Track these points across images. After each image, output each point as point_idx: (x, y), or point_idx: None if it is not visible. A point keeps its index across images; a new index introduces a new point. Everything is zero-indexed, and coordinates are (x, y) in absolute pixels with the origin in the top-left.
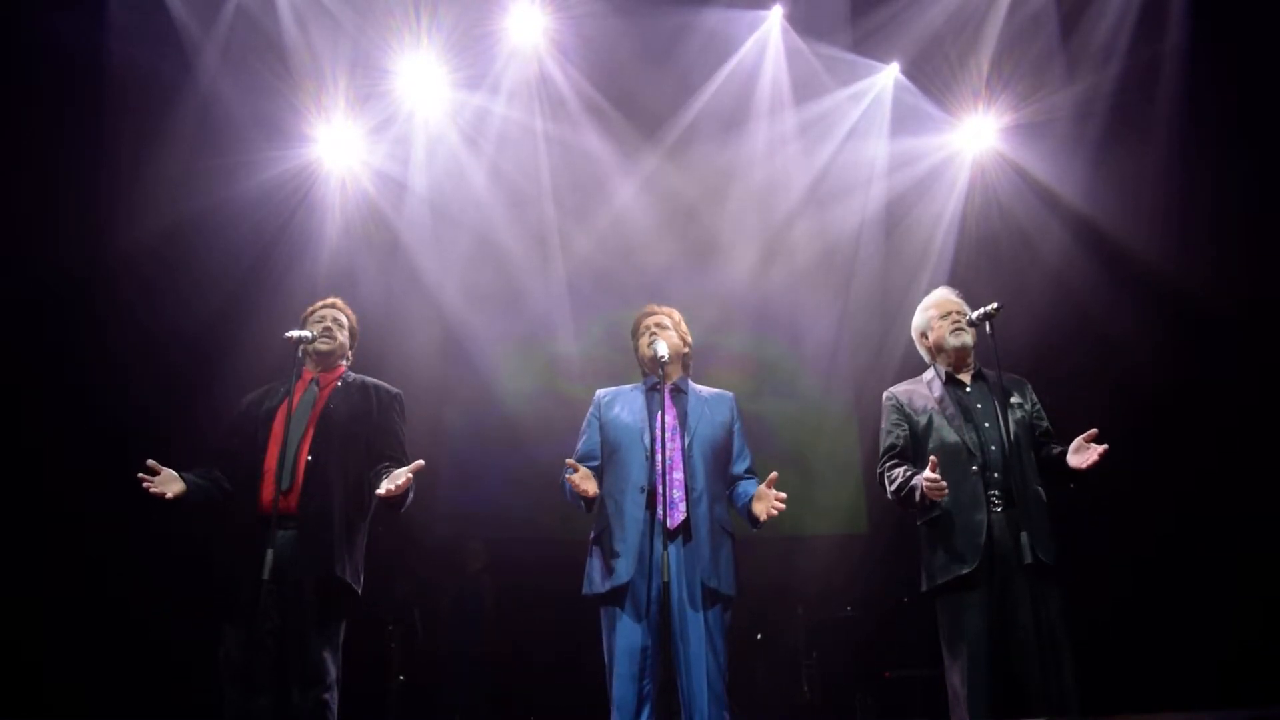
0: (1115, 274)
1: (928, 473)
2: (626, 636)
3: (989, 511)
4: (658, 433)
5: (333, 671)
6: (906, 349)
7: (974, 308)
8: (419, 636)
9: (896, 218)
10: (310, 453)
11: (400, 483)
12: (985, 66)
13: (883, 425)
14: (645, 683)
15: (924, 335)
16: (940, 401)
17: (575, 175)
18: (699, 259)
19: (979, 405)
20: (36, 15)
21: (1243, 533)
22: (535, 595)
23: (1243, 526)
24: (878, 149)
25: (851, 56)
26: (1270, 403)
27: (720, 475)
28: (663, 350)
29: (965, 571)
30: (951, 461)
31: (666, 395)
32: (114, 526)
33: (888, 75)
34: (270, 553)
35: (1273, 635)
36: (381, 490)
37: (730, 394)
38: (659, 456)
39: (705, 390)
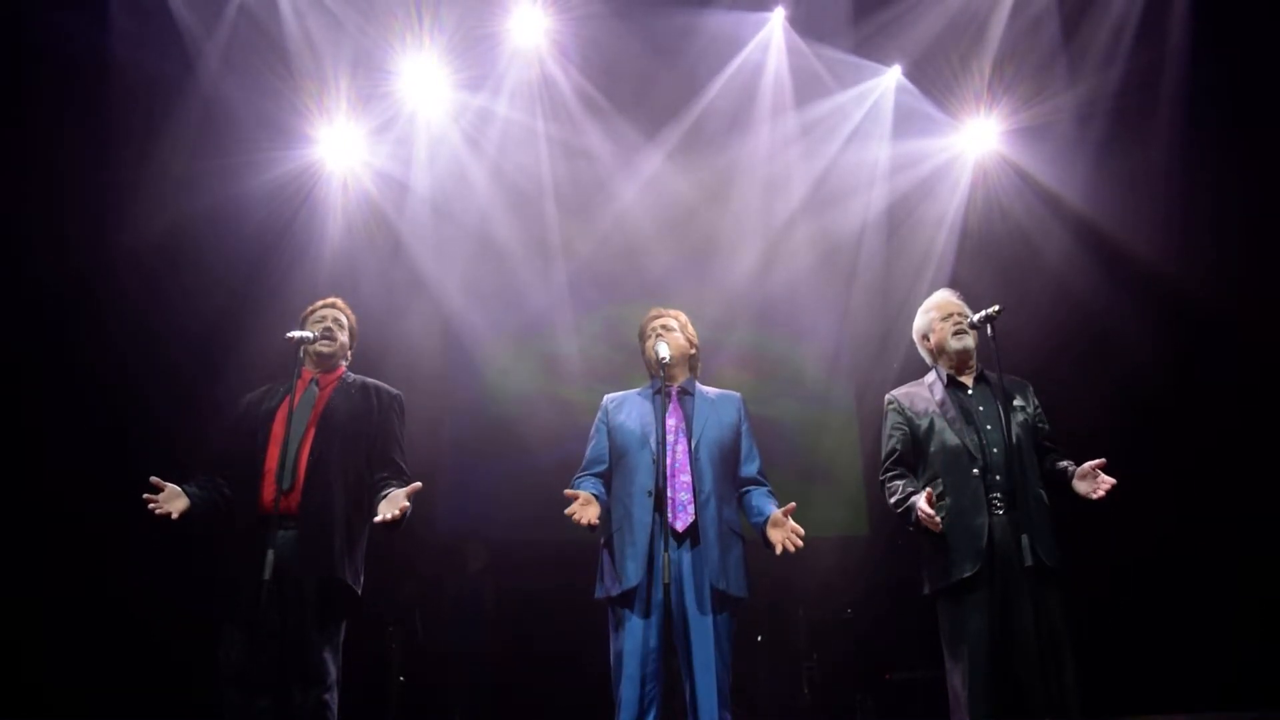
0: (1116, 276)
1: (923, 505)
2: (634, 638)
3: (990, 514)
4: (664, 436)
5: (333, 672)
6: (908, 351)
7: (975, 310)
8: (420, 637)
9: (898, 220)
10: (311, 453)
11: (396, 513)
12: (987, 69)
13: (884, 429)
14: (651, 685)
15: (925, 337)
16: (942, 404)
17: (577, 177)
18: (700, 261)
19: (981, 408)
20: (40, 15)
21: (1244, 534)
22: (536, 596)
23: (1244, 528)
24: (879, 151)
25: (853, 58)
26: (1271, 403)
27: (729, 477)
28: (664, 352)
29: (967, 575)
30: (953, 464)
31: (673, 398)
32: (115, 526)
33: (890, 77)
34: (271, 553)
35: (1273, 636)
36: (378, 519)
37: (738, 394)
38: (665, 460)
39: (712, 391)
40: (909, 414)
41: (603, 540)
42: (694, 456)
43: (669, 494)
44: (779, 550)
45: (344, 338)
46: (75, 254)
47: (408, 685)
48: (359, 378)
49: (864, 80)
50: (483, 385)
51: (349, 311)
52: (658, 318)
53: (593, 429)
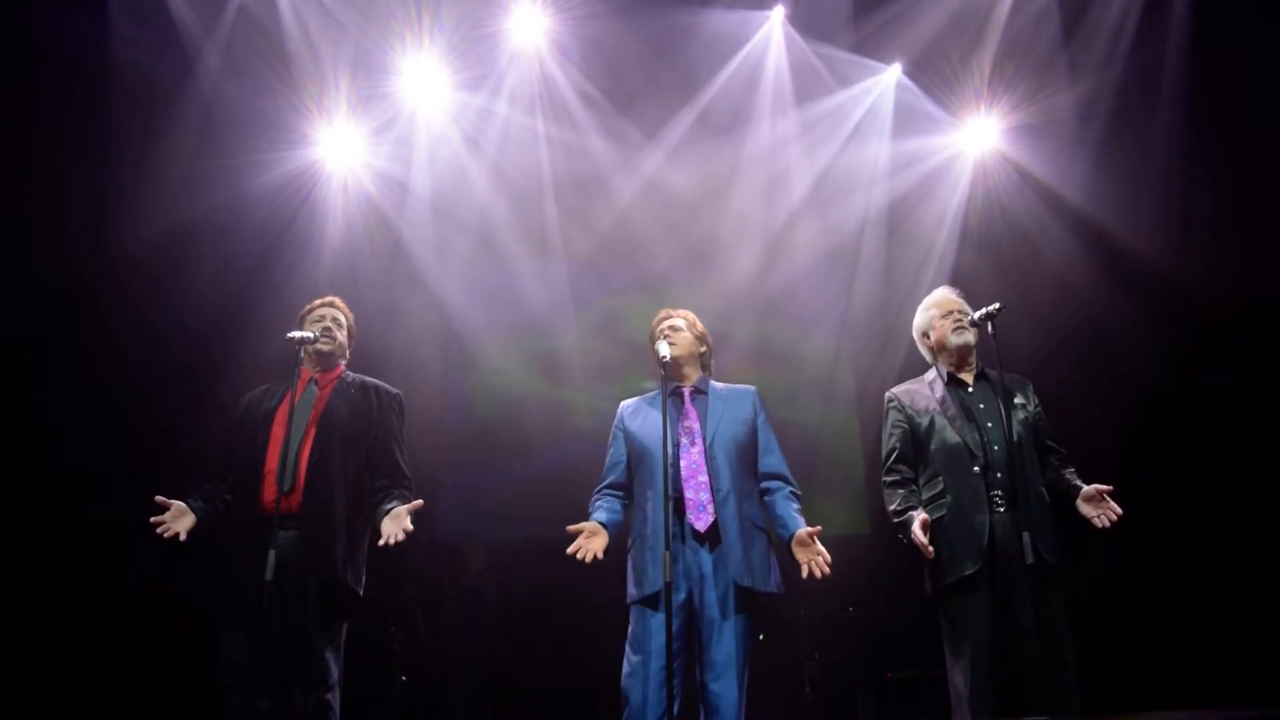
0: (1117, 274)
1: (919, 534)
2: (658, 639)
3: (991, 512)
4: (679, 437)
5: (335, 672)
6: (909, 349)
7: (976, 308)
8: (421, 637)
9: (898, 218)
10: (312, 453)
11: (400, 536)
12: (987, 67)
13: (884, 427)
14: (674, 685)
15: (925, 335)
16: (942, 402)
17: (577, 176)
18: (701, 260)
19: (981, 405)
20: (40, 17)
21: (1245, 532)
22: (537, 596)
23: (1245, 526)
24: (880, 150)
25: (853, 57)
26: (1272, 402)
27: (748, 472)
28: (665, 352)
29: (968, 573)
30: (953, 462)
31: (686, 399)
32: (115, 526)
33: (890, 76)
34: (273, 553)
35: (1274, 634)
36: (381, 542)
37: (752, 388)
38: (681, 463)
39: (725, 388)
40: (909, 412)
41: (628, 545)
42: (709, 456)
43: (688, 495)
44: (805, 573)
45: (342, 336)
46: (75, 254)
47: (409, 685)
48: (358, 377)
49: (864, 78)
50: (483, 385)
51: (347, 310)
52: (666, 319)
53: (610, 436)
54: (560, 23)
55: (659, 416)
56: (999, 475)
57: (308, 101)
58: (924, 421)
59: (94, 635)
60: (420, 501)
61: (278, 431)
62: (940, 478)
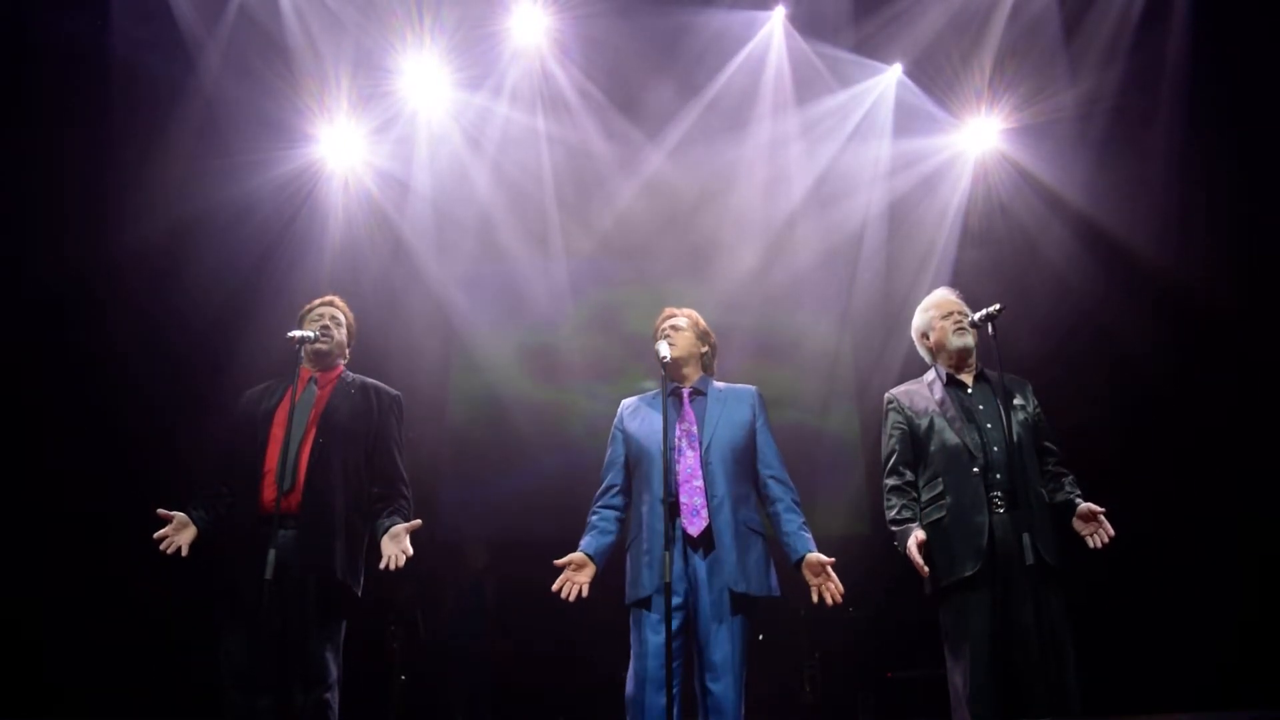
0: (1117, 274)
1: (915, 555)
2: (655, 642)
3: (991, 513)
4: (675, 441)
5: (334, 671)
6: (909, 350)
7: (976, 308)
8: (421, 636)
9: (899, 218)
10: (312, 453)
11: (400, 561)
12: (988, 67)
13: (884, 429)
14: (673, 688)
15: (925, 335)
16: (942, 403)
17: (578, 175)
18: (701, 259)
19: (981, 406)
20: (42, 16)
21: (1245, 532)
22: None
23: (1245, 526)
24: (880, 150)
25: (854, 57)
26: (1271, 402)
27: (745, 476)
28: (664, 352)
29: (967, 573)
30: (953, 463)
31: (685, 400)
32: (116, 524)
33: (890, 76)
34: (273, 553)
35: (1275, 635)
36: (381, 565)
37: (752, 389)
38: (677, 467)
39: (725, 388)
40: (909, 413)
41: (627, 545)
42: (705, 461)
43: (683, 499)
44: (815, 599)
45: (341, 335)
46: (77, 253)
47: (409, 685)
48: (358, 377)
49: (865, 78)
50: (484, 384)
51: (346, 309)
52: (669, 318)
53: (610, 435)
54: (561, 22)
55: (657, 417)
56: (998, 476)
57: (309, 100)
58: (923, 423)
59: (94, 635)
60: (419, 521)
61: (277, 431)
62: (940, 479)
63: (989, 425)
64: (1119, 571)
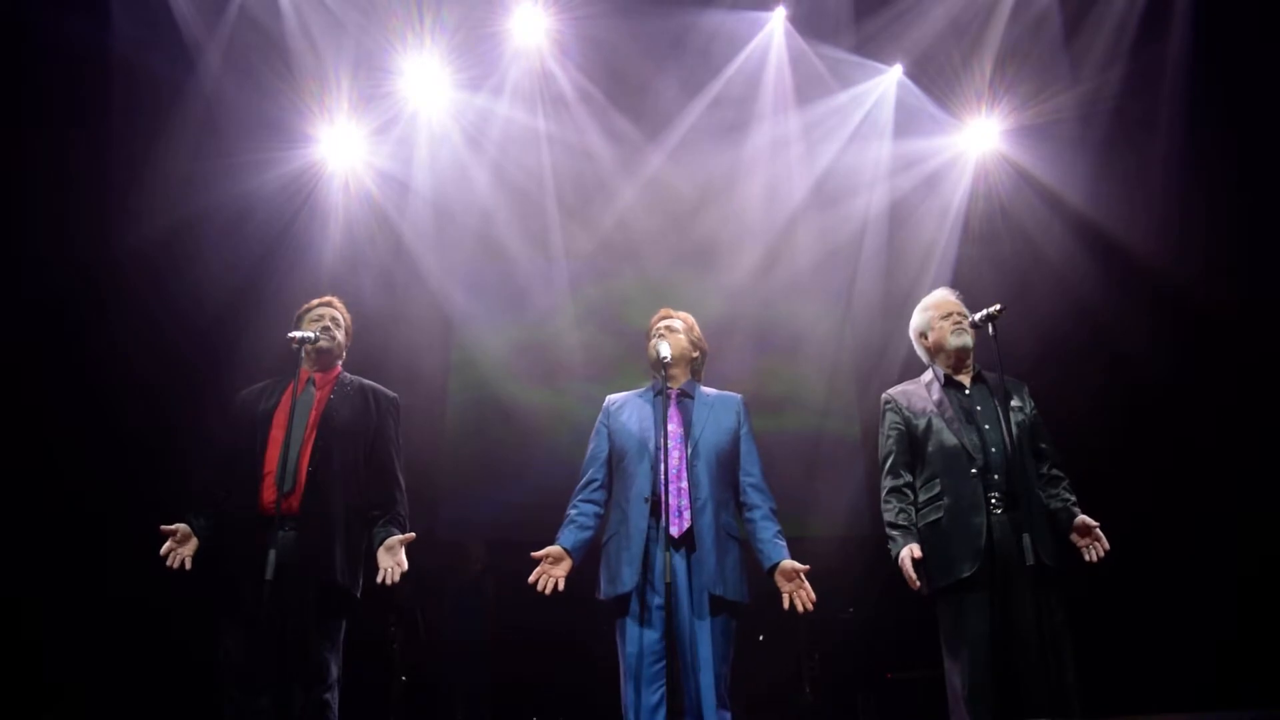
0: (1117, 275)
1: (909, 568)
2: (634, 642)
3: (989, 514)
4: (661, 441)
5: (334, 671)
6: (909, 350)
7: (976, 309)
8: (421, 634)
9: (900, 219)
10: (312, 454)
11: (395, 577)
12: (988, 68)
13: (881, 429)
14: (656, 688)
15: (923, 335)
16: (940, 404)
17: (578, 176)
18: (702, 260)
19: (979, 407)
20: (42, 17)
21: (1244, 531)
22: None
23: (1244, 527)
24: (881, 150)
25: (854, 58)
26: (1271, 402)
27: (727, 482)
28: (665, 351)
29: (965, 575)
30: (951, 464)
31: (673, 400)
32: (116, 523)
33: (891, 77)
34: (273, 553)
35: (1275, 635)
36: (379, 579)
37: (738, 396)
38: (662, 466)
39: (712, 394)
40: (906, 413)
41: (602, 541)
42: (691, 463)
43: (666, 500)
44: (786, 605)
45: (341, 336)
46: (78, 254)
47: (409, 684)
48: (355, 378)
49: (865, 79)
50: (483, 383)
51: (345, 310)
52: (665, 318)
53: (594, 429)
54: (561, 22)
55: (644, 415)
56: (996, 477)
57: (309, 101)
58: (921, 423)
59: (94, 634)
60: (413, 535)
61: (276, 433)
62: (938, 479)
63: (987, 426)
64: (1118, 571)
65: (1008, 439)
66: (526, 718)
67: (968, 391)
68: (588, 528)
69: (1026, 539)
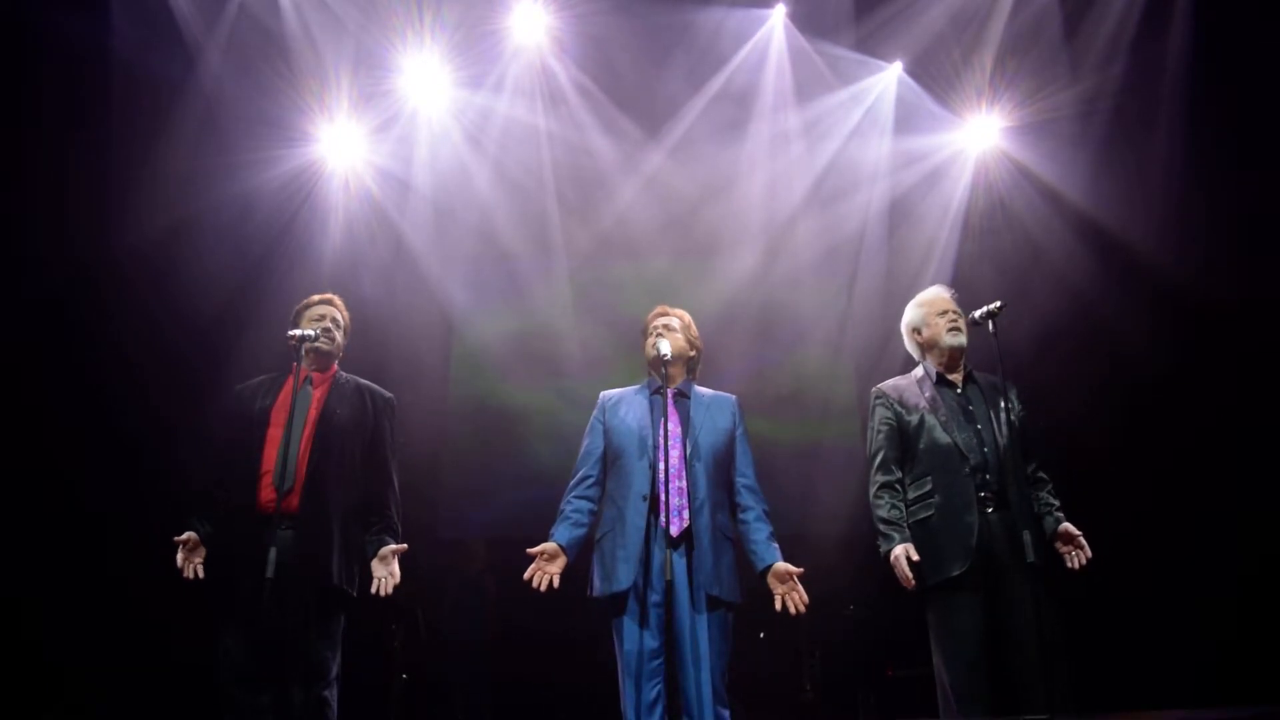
0: (1118, 272)
1: (904, 568)
2: (632, 640)
3: (980, 513)
4: (660, 440)
5: (333, 669)
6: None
7: (976, 306)
8: (421, 633)
9: (900, 216)
10: (310, 453)
11: (389, 589)
12: (989, 65)
13: (871, 423)
14: (654, 685)
15: (916, 331)
16: (932, 402)
17: (578, 174)
18: (702, 258)
19: (971, 407)
20: (42, 16)
21: (1243, 530)
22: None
23: (1243, 524)
24: (881, 148)
25: (855, 55)
26: (1271, 402)
27: (722, 482)
28: (665, 349)
29: (955, 573)
30: (943, 463)
31: (670, 400)
32: (116, 521)
33: (891, 74)
34: (273, 551)
35: (1271, 633)
36: (373, 590)
37: (733, 397)
38: (661, 465)
39: (708, 394)
40: (898, 408)
41: (596, 539)
42: (689, 462)
43: (664, 499)
44: (779, 606)
45: (340, 338)
46: (78, 253)
47: (409, 681)
48: (351, 378)
49: (866, 76)
50: (484, 383)
51: (344, 309)
52: (661, 315)
53: (589, 426)
54: (562, 20)
55: (641, 413)
56: (988, 476)
57: (309, 99)
58: (913, 420)
59: (94, 632)
60: (404, 546)
61: (274, 431)
62: (929, 477)
63: (979, 426)
64: (1116, 568)
65: (1000, 438)
66: (526, 717)
67: (959, 390)
68: (582, 524)
69: (1026, 536)
